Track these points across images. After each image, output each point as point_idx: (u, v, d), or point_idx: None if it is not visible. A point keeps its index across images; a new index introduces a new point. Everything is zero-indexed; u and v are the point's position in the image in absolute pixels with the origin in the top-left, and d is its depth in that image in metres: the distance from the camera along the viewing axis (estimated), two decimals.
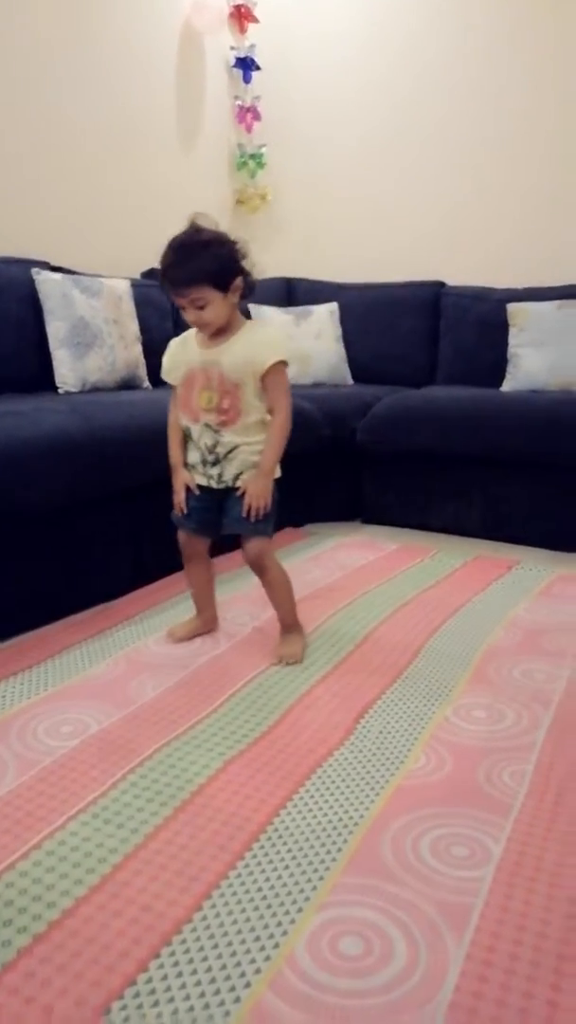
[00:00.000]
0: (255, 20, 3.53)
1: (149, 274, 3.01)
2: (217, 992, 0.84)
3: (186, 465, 1.66)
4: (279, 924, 0.93)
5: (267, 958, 0.88)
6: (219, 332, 1.56)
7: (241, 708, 1.45)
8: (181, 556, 1.73)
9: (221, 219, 3.63)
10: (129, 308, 2.57)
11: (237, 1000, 0.83)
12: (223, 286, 1.49)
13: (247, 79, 3.54)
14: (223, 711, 1.44)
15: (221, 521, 1.66)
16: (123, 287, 2.57)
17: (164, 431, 2.02)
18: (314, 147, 3.63)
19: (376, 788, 1.21)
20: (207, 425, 1.59)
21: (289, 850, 1.07)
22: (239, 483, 1.60)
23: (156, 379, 2.64)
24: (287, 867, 1.03)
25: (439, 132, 3.38)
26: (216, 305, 1.50)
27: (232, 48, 3.50)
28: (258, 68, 3.54)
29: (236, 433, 1.58)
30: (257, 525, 1.60)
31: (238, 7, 3.48)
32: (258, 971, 0.86)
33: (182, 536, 1.70)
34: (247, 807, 1.16)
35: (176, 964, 0.87)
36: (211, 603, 1.80)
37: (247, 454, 1.59)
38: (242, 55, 3.50)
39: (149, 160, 3.14)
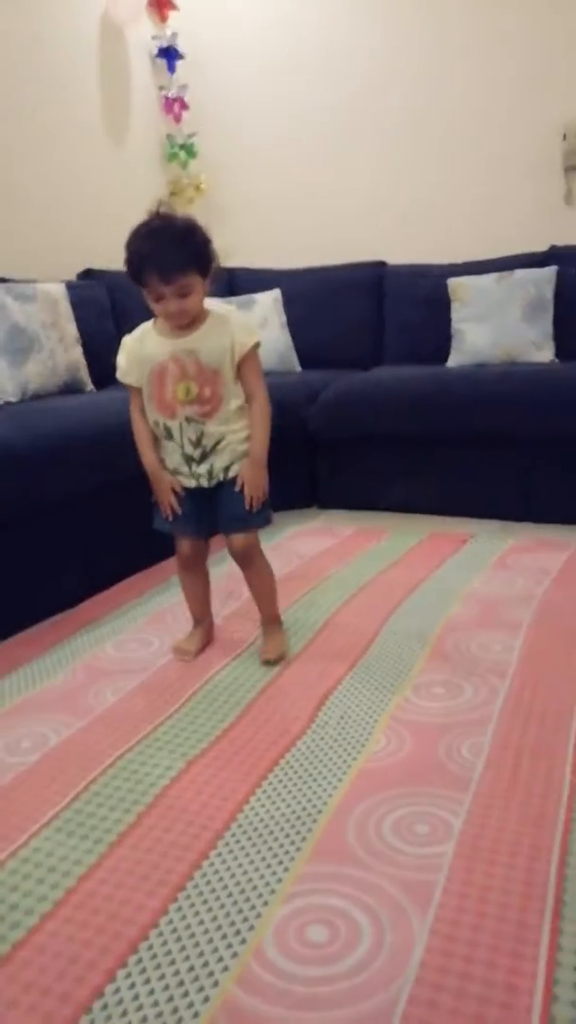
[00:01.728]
0: (174, 7, 3.48)
1: (86, 274, 2.97)
2: (185, 995, 0.84)
3: (174, 472, 1.58)
4: (245, 919, 0.94)
5: (234, 954, 0.89)
6: (190, 320, 1.50)
7: (203, 707, 1.45)
8: (179, 565, 1.68)
9: None
10: (66, 311, 2.53)
11: (206, 1000, 0.83)
12: (205, 271, 1.45)
13: (171, 68, 3.49)
14: (185, 711, 1.44)
15: (210, 523, 1.62)
16: (58, 290, 2.53)
17: (110, 433, 2.01)
18: (246, 134, 3.60)
19: (339, 774, 1.22)
20: (189, 419, 1.52)
21: (254, 844, 1.07)
22: (231, 474, 1.56)
23: (99, 381, 2.63)
24: (252, 862, 1.04)
25: (371, 111, 3.37)
26: (198, 292, 1.45)
27: (154, 38, 3.44)
28: (181, 57, 3.49)
29: (220, 422, 1.52)
30: (257, 517, 1.58)
31: None
32: (226, 968, 0.87)
33: (183, 544, 1.64)
34: (211, 805, 1.16)
35: (144, 971, 0.87)
36: (209, 611, 1.75)
37: (235, 443, 1.55)
38: (164, 44, 3.45)
39: (77, 158, 3.08)
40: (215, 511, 1.60)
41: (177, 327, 1.50)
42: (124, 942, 0.92)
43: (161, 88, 3.51)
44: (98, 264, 3.01)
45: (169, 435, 1.55)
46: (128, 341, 1.57)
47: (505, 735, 1.30)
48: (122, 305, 2.91)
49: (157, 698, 1.49)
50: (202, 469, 1.55)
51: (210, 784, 1.21)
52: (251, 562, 1.64)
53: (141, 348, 1.53)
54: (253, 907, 0.96)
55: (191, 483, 1.58)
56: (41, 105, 2.90)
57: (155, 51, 3.46)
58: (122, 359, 1.56)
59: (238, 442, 1.55)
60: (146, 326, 1.56)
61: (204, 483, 1.57)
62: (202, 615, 1.74)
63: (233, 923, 0.94)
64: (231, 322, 1.52)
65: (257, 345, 1.54)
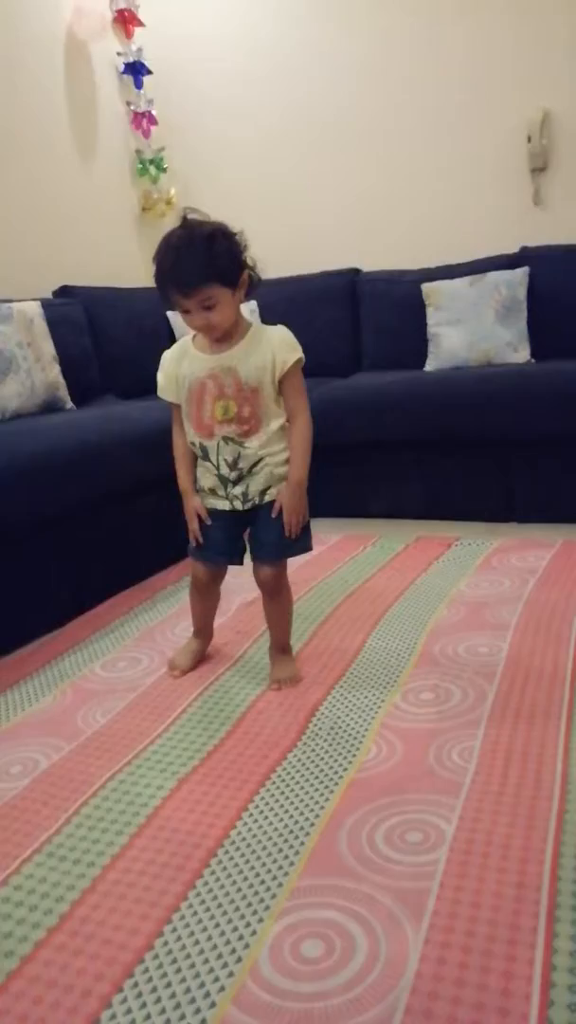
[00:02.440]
0: (140, 24, 3.49)
1: (62, 292, 2.97)
2: (182, 1017, 0.84)
3: (197, 491, 1.54)
4: (240, 937, 0.94)
5: (230, 974, 0.89)
6: (225, 335, 1.43)
7: (193, 723, 1.45)
8: (192, 586, 1.64)
9: (128, 228, 3.57)
10: (42, 329, 2.52)
11: (203, 1022, 0.83)
12: (232, 282, 1.37)
13: (138, 84, 3.49)
14: (175, 729, 1.44)
15: (243, 547, 1.56)
16: (33, 309, 2.53)
17: (90, 450, 2.01)
18: (216, 147, 3.61)
19: (330, 785, 1.22)
20: (226, 438, 1.45)
21: (247, 861, 1.07)
22: (267, 498, 1.49)
23: (79, 398, 2.63)
24: (246, 878, 1.04)
25: (338, 121, 3.39)
26: (225, 304, 1.37)
27: (119, 54, 3.45)
28: (149, 72, 3.50)
29: (260, 443, 1.46)
30: (295, 544, 1.52)
31: (121, 12, 3.43)
32: (222, 989, 0.87)
33: (198, 569, 1.59)
34: (204, 823, 1.16)
35: (140, 996, 0.87)
36: (211, 626, 1.72)
37: (272, 466, 1.48)
38: (130, 60, 3.46)
39: (47, 175, 3.08)
40: (250, 537, 1.55)
41: (212, 341, 1.44)
42: (119, 967, 0.91)
43: (128, 103, 3.52)
44: (74, 281, 3.01)
45: (205, 455, 1.49)
46: (166, 358, 1.52)
47: (495, 737, 1.31)
48: (100, 321, 2.92)
49: (147, 717, 1.49)
50: (237, 491, 1.49)
51: (202, 802, 1.21)
52: (277, 592, 1.57)
53: (179, 366, 1.48)
54: (248, 924, 0.96)
55: (225, 506, 1.51)
56: (8, 122, 2.90)
57: (121, 67, 3.47)
58: (161, 377, 1.52)
59: (276, 464, 1.48)
60: (185, 341, 1.50)
61: (239, 505, 1.50)
62: (203, 627, 1.71)
63: (228, 941, 0.93)
64: (273, 337, 1.46)
65: (300, 361, 1.47)
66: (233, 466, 1.48)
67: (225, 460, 1.47)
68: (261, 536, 1.53)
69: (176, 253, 1.35)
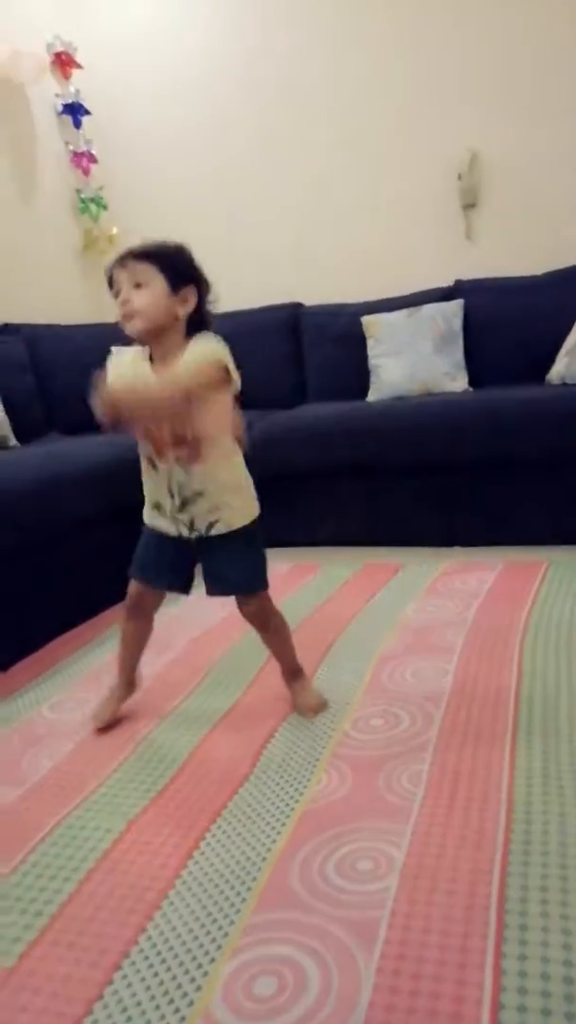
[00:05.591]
0: (78, 66, 3.54)
1: (3, 329, 2.95)
2: None
3: (155, 507, 1.47)
4: (192, 980, 0.93)
5: (182, 1019, 0.87)
6: (164, 357, 1.37)
7: (142, 763, 1.43)
8: (125, 605, 1.55)
9: (70, 265, 3.58)
10: None
11: None
12: (171, 275, 1.33)
13: (77, 124, 3.53)
14: (124, 769, 1.42)
15: (188, 579, 1.53)
16: None
17: (31, 490, 1.99)
18: (157, 185, 3.66)
19: (282, 818, 1.22)
20: (178, 458, 1.40)
21: (199, 900, 1.06)
22: (214, 532, 1.44)
23: (23, 436, 2.61)
24: (197, 918, 1.03)
25: (279, 160, 3.47)
26: (154, 293, 1.31)
27: (57, 95, 3.49)
28: (87, 112, 3.54)
29: (206, 473, 1.41)
30: (251, 584, 1.51)
31: (59, 55, 3.48)
32: None
33: (134, 587, 1.53)
34: (154, 865, 1.14)
35: None
36: (135, 667, 1.63)
37: (216, 495, 1.43)
38: (68, 101, 3.50)
39: None
40: (204, 573, 1.50)
41: (158, 363, 1.37)
42: (68, 1021, 0.89)
43: (67, 143, 3.55)
44: (15, 319, 3.00)
45: (155, 467, 1.44)
46: (115, 360, 1.43)
47: (442, 761, 1.33)
48: (42, 359, 2.91)
49: (95, 758, 1.47)
50: (184, 517, 1.44)
51: (152, 843, 1.20)
52: (265, 623, 1.56)
53: (132, 369, 1.39)
54: (200, 966, 0.95)
55: (172, 530, 1.46)
56: None
57: (60, 108, 3.50)
58: (111, 376, 1.40)
59: (219, 495, 1.43)
60: (134, 351, 1.41)
61: (185, 532, 1.45)
62: (125, 668, 1.61)
63: (180, 985, 0.92)
64: (196, 347, 1.36)
65: (220, 363, 1.33)
66: (179, 491, 1.43)
67: (177, 481, 1.43)
68: (214, 571, 1.49)
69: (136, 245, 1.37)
